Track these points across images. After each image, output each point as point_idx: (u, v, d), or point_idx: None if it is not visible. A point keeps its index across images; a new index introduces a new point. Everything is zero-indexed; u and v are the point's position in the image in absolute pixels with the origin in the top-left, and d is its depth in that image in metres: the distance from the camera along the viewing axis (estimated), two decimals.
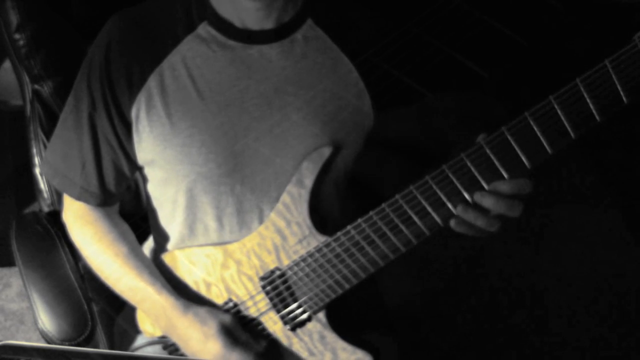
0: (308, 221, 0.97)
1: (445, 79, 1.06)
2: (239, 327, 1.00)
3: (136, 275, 1.02)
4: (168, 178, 0.99)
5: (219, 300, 1.04)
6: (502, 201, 0.86)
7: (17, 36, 1.22)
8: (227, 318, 1.00)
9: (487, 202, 0.87)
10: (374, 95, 0.99)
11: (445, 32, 1.06)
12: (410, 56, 1.00)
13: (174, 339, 1.03)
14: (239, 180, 0.98)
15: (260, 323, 1.03)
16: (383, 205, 0.91)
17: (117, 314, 1.17)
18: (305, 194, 0.96)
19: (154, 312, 1.02)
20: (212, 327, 0.98)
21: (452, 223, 0.89)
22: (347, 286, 0.97)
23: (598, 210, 2.03)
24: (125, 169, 1.02)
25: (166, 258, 1.07)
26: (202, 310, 1.00)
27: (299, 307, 1.00)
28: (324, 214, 0.99)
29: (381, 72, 0.98)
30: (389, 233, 0.92)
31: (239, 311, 1.03)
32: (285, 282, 0.99)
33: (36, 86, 1.26)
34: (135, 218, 1.14)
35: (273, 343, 1.04)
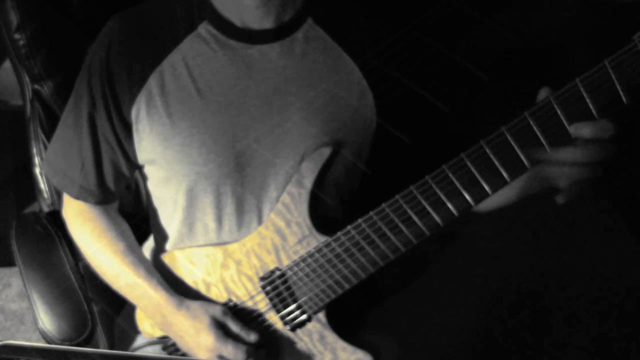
0: (308, 221, 0.97)
1: (446, 82, 1.05)
2: (230, 319, 1.00)
3: (133, 271, 1.03)
4: (168, 177, 1.00)
5: (219, 300, 1.04)
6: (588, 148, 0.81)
7: (17, 36, 1.22)
8: (218, 311, 1.00)
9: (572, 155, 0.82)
10: (377, 95, 0.99)
11: (446, 34, 1.06)
12: (411, 58, 1.00)
13: (171, 335, 1.03)
14: (239, 181, 0.98)
15: (260, 322, 1.03)
16: (383, 205, 0.91)
17: (117, 314, 1.18)
18: (305, 194, 0.96)
19: (150, 309, 1.03)
20: (203, 322, 0.98)
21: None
22: (347, 286, 0.97)
23: (598, 210, 2.03)
24: (124, 168, 1.02)
25: (166, 258, 1.07)
26: (195, 305, 1.00)
27: (298, 307, 1.00)
28: (324, 214, 0.99)
29: (383, 73, 0.98)
30: (388, 233, 0.92)
31: (238, 311, 1.03)
32: (285, 282, 0.99)
33: (36, 86, 1.26)
34: (136, 219, 1.14)
35: (273, 342, 1.04)
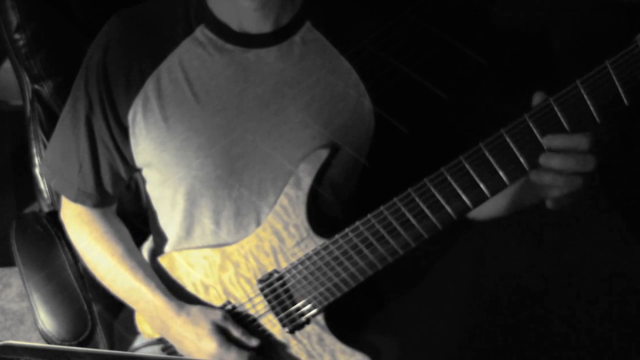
0: (306, 223, 0.96)
1: (444, 68, 1.05)
2: (231, 324, 1.00)
3: (131, 275, 1.02)
4: (166, 180, 0.99)
5: (217, 302, 1.04)
6: (569, 157, 0.81)
7: (17, 36, 1.22)
8: (219, 316, 1.00)
9: (554, 162, 0.82)
10: (374, 97, 0.98)
11: (443, 19, 1.05)
12: (408, 45, 0.99)
13: (169, 339, 1.03)
14: (236, 183, 0.97)
15: (259, 324, 1.03)
16: (381, 208, 0.90)
17: (115, 317, 1.17)
18: (302, 196, 0.96)
19: (149, 313, 1.02)
20: (204, 328, 0.98)
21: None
22: (345, 289, 0.97)
23: (598, 210, 2.02)
24: (122, 171, 1.02)
25: (164, 260, 1.06)
26: (195, 310, 1.00)
27: (297, 309, 1.00)
28: (323, 216, 0.99)
29: (381, 73, 0.98)
30: (387, 236, 0.91)
31: (237, 313, 1.03)
32: (283, 284, 0.99)
33: (36, 86, 1.26)
34: (136, 220, 1.14)
35: (271, 344, 1.04)
